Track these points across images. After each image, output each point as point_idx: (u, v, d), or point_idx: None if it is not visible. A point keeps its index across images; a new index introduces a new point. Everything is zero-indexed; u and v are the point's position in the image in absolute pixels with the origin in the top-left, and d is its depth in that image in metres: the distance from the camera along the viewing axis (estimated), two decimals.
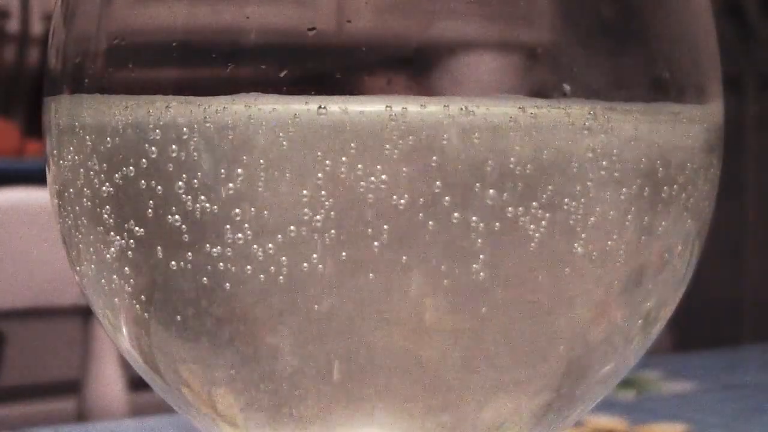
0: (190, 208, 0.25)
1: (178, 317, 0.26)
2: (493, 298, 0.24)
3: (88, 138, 0.26)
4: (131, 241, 0.26)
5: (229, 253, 0.24)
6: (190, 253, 0.25)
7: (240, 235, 0.24)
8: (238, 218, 0.24)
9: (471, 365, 0.25)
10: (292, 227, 0.24)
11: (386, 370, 0.25)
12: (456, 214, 0.24)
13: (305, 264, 0.24)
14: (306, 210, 0.24)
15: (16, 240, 0.88)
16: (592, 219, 0.25)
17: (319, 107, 0.24)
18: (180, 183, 0.25)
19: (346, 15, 0.24)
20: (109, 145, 0.26)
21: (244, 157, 0.24)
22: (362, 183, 0.24)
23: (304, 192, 0.24)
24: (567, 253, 0.25)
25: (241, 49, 0.24)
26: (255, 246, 0.24)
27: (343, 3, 0.24)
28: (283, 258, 0.24)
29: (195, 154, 0.24)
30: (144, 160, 0.25)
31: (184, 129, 0.24)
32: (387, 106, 0.24)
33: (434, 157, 0.24)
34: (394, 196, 0.24)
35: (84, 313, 0.92)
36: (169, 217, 0.25)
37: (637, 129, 0.25)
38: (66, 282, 0.87)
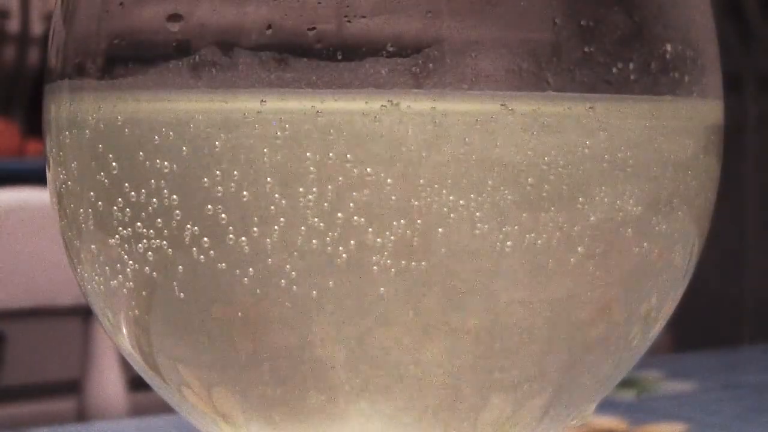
0: (190, 208, 0.25)
1: (178, 317, 0.26)
2: (494, 297, 0.24)
3: (88, 138, 0.26)
4: (131, 240, 0.26)
5: (228, 253, 0.24)
6: (189, 253, 0.25)
7: (240, 235, 0.24)
8: (238, 218, 0.24)
9: (471, 365, 0.25)
10: (291, 229, 0.24)
11: (387, 370, 0.25)
12: (454, 214, 0.24)
13: (305, 264, 0.24)
14: (305, 210, 0.24)
15: (16, 240, 0.88)
16: (592, 218, 0.25)
17: (312, 107, 0.24)
18: (180, 182, 0.25)
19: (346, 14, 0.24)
20: (109, 145, 0.26)
21: (246, 157, 0.24)
22: (359, 183, 0.24)
23: (303, 192, 0.24)
24: (567, 252, 0.25)
25: (241, 48, 0.24)
26: (255, 246, 0.24)
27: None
28: (284, 259, 0.24)
29: (196, 153, 0.24)
30: (144, 159, 0.25)
31: (185, 128, 0.24)
32: (383, 105, 0.24)
33: (432, 156, 0.24)
34: (392, 195, 0.24)
35: (84, 313, 0.92)
36: (170, 216, 0.25)
37: (637, 128, 0.25)
38: (66, 282, 0.87)
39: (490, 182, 0.24)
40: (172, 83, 0.25)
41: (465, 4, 0.24)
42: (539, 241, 0.24)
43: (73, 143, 0.26)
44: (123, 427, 0.67)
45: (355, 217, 0.24)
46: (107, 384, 0.91)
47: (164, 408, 0.31)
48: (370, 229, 0.24)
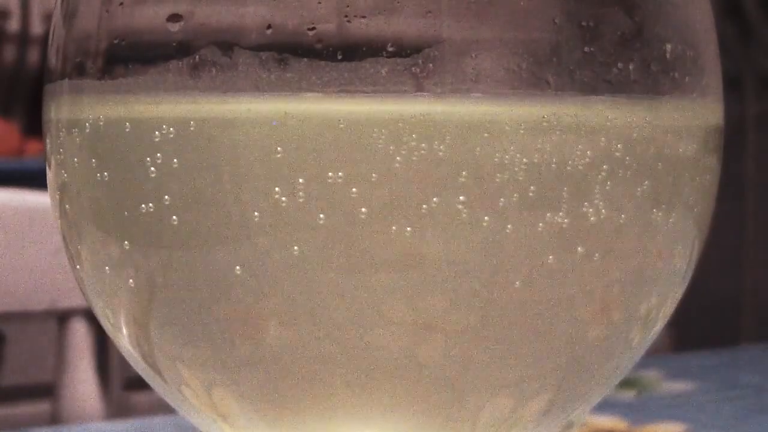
0: (190, 207, 0.25)
1: (178, 317, 0.26)
2: (494, 297, 0.24)
3: (88, 137, 0.26)
4: (131, 240, 0.26)
5: (228, 253, 0.24)
6: (189, 253, 0.25)
7: (239, 234, 0.24)
8: (238, 218, 0.24)
9: (471, 365, 0.25)
10: (292, 228, 0.24)
11: (387, 370, 0.25)
12: (454, 213, 0.24)
13: (305, 264, 0.24)
14: (304, 210, 0.24)
15: (16, 240, 0.88)
16: (592, 218, 0.25)
17: (312, 106, 0.24)
18: (180, 182, 0.25)
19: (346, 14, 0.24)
20: (109, 145, 0.26)
21: (246, 156, 0.24)
22: (359, 183, 0.24)
23: (303, 191, 0.24)
24: (567, 252, 0.25)
25: (241, 48, 0.24)
26: (255, 246, 0.24)
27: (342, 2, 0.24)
28: (284, 258, 0.24)
29: (195, 152, 0.24)
30: (144, 159, 0.25)
31: (185, 128, 0.24)
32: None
33: (432, 155, 0.24)
34: (392, 194, 0.24)
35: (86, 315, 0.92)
36: (169, 216, 0.25)
37: (637, 128, 0.25)
38: (66, 282, 0.87)
39: (489, 182, 0.24)
40: (172, 83, 0.25)
41: (465, 4, 0.24)
42: (539, 241, 0.24)
43: (73, 143, 0.26)
44: (123, 427, 0.67)
45: (355, 217, 0.24)
46: (82, 388, 0.91)
47: (164, 408, 0.31)
48: (369, 228, 0.24)
